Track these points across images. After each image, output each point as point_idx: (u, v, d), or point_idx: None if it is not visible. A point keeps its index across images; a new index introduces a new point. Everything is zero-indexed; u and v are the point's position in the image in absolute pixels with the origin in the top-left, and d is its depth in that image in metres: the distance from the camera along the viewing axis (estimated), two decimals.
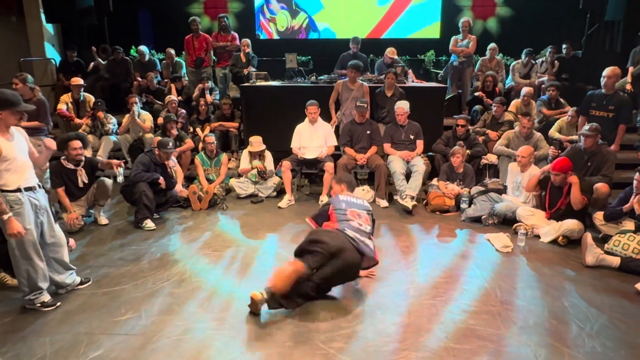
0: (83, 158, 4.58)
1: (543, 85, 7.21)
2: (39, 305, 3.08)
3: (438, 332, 2.84)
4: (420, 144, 5.59)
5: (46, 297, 3.11)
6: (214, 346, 2.70)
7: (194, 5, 9.67)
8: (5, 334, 2.82)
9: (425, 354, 2.63)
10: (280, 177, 5.55)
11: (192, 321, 2.95)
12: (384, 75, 6.10)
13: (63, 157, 4.53)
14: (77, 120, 6.49)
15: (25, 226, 2.88)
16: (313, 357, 2.60)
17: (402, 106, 5.51)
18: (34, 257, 2.98)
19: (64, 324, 2.92)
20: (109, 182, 4.69)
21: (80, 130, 6.26)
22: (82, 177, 4.58)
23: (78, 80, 6.70)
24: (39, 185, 3.04)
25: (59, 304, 3.13)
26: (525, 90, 6.40)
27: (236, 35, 7.70)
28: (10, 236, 2.84)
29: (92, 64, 8.23)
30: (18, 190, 2.87)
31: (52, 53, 8.59)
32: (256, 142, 5.63)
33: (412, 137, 5.57)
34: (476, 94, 7.08)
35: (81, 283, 3.41)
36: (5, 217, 2.78)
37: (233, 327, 2.90)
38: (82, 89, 6.68)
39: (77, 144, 4.45)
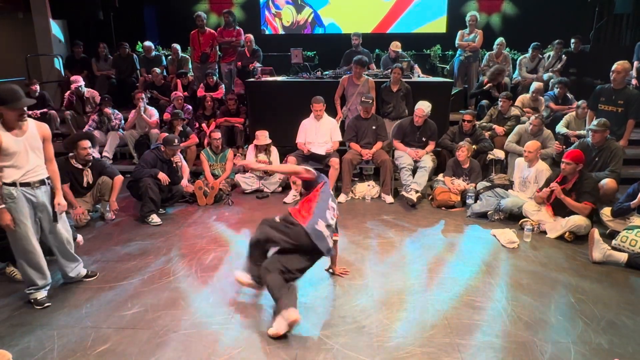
0: (92, 158, 4.59)
1: (552, 80, 7.14)
2: (32, 301, 3.08)
3: (443, 328, 2.84)
4: (432, 143, 5.52)
5: (39, 295, 3.09)
6: (219, 340, 2.72)
7: (200, 2, 9.65)
8: (14, 327, 2.85)
9: (431, 350, 2.63)
10: None
11: (198, 316, 2.97)
12: (389, 70, 6.06)
13: (71, 155, 4.53)
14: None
15: (21, 219, 2.89)
16: (318, 352, 2.60)
17: (422, 107, 5.23)
18: (28, 252, 2.99)
19: (72, 318, 2.95)
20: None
21: (86, 127, 6.32)
22: (88, 177, 4.59)
23: (77, 79, 6.76)
24: (42, 182, 2.99)
25: (49, 304, 3.09)
26: (535, 86, 6.33)
27: (241, 30, 7.68)
28: (4, 227, 2.89)
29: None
30: (13, 184, 2.87)
31: (59, 49, 8.63)
32: (262, 136, 5.63)
33: (424, 139, 5.49)
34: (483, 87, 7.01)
35: (87, 276, 3.44)
36: None
37: (238, 322, 2.91)
38: (83, 85, 6.74)
39: (86, 143, 4.44)
